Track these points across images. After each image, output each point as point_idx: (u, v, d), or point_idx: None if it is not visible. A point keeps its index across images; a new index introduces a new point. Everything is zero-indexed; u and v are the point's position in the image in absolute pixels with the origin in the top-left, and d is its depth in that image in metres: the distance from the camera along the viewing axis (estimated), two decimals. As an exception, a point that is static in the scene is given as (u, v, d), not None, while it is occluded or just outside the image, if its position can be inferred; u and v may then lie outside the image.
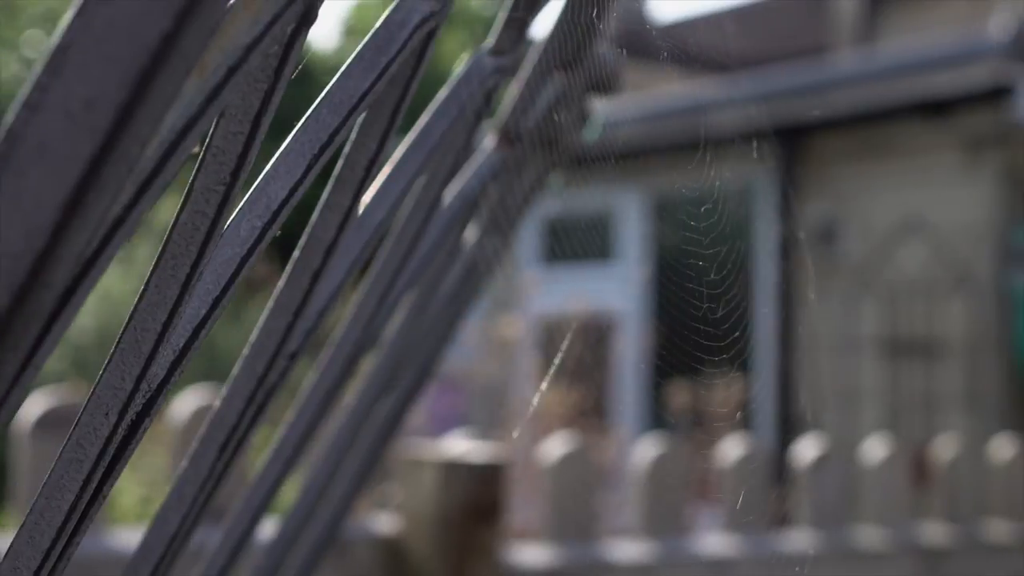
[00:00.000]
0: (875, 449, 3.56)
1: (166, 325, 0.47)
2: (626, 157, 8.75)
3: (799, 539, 3.27)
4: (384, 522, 2.65)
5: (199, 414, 2.43)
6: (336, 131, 0.53)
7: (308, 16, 0.45)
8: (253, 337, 0.64)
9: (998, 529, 3.72)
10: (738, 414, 6.20)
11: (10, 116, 0.37)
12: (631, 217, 8.63)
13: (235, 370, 0.65)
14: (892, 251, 7.35)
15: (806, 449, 3.40)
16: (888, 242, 7.36)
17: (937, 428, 6.84)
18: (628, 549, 2.89)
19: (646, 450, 3.02)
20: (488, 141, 0.92)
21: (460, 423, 6.19)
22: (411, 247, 0.75)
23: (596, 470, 2.97)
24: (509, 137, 0.89)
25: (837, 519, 3.36)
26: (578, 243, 9.11)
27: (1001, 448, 3.90)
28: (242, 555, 0.78)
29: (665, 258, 8.43)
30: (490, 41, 0.74)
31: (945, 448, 3.78)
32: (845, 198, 7.56)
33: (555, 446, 2.94)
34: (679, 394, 5.92)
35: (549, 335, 6.70)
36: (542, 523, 2.90)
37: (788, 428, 7.28)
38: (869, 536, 3.43)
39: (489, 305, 9.22)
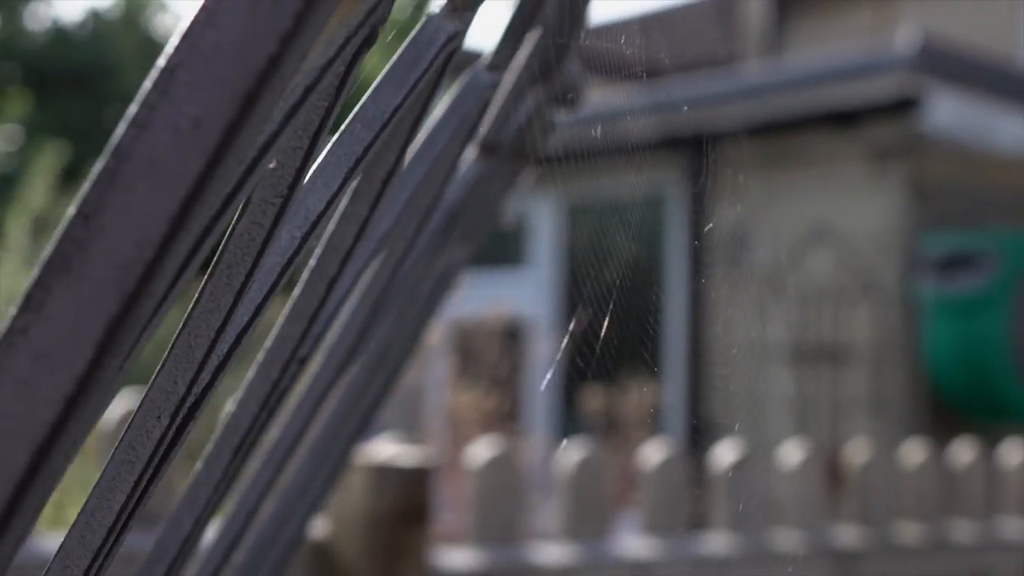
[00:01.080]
0: (791, 453, 3.63)
1: (219, 332, 0.49)
2: (540, 162, 8.80)
3: (718, 542, 3.32)
4: (313, 525, 2.65)
5: (127, 419, 2.42)
6: (369, 145, 0.56)
7: (370, 38, 0.47)
8: (268, 343, 0.67)
9: (908, 531, 3.80)
10: (651, 419, 6.27)
11: (117, 133, 0.39)
12: (544, 222, 8.68)
13: (249, 375, 0.67)
14: (801, 258, 7.47)
15: (724, 453, 3.45)
16: (797, 250, 7.49)
17: (843, 432, 6.97)
18: (552, 552, 2.93)
19: (570, 454, 3.06)
20: (469, 152, 0.95)
21: (376, 428, 6.19)
22: (404, 256, 0.78)
23: (520, 474, 3.00)
24: (489, 148, 0.91)
25: (755, 522, 3.43)
26: (491, 247, 9.15)
27: (911, 452, 3.99)
28: (234, 557, 0.80)
29: (578, 264, 8.49)
30: (486, 56, 0.76)
31: (857, 452, 3.86)
32: (755, 206, 7.68)
33: (481, 450, 2.97)
34: (594, 399, 5.98)
35: (464, 340, 6.73)
36: (467, 526, 2.92)
37: (698, 433, 7.36)
38: (785, 538, 3.49)
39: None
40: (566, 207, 8.61)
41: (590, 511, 3.05)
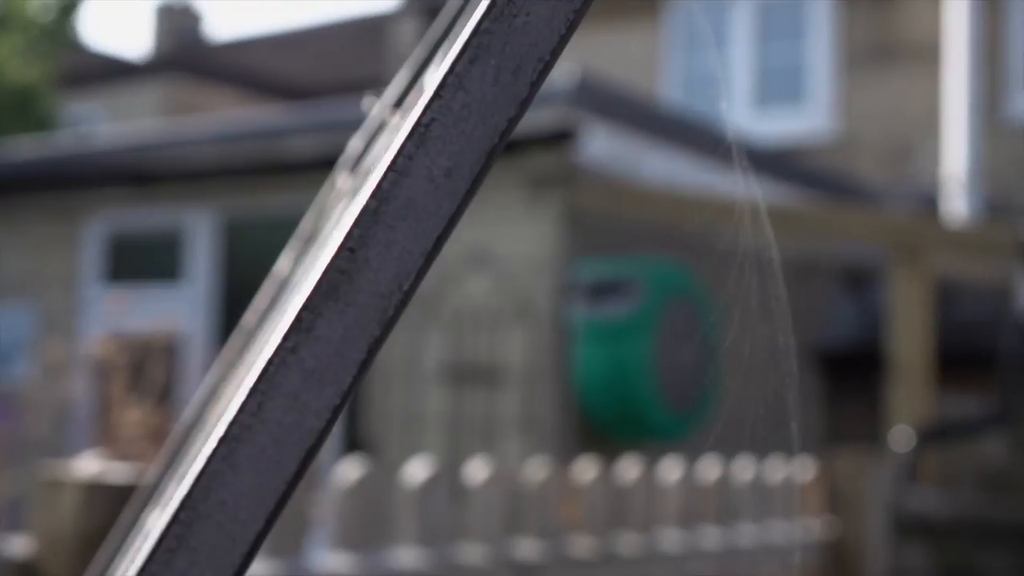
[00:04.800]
0: (475, 472, 3.76)
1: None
2: (197, 177, 8.71)
3: (408, 557, 3.41)
4: (17, 545, 2.59)
5: None
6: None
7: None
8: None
9: (581, 544, 4.00)
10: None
11: (376, 177, 0.44)
12: (201, 237, 8.57)
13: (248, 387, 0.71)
14: (460, 281, 7.68)
15: (416, 471, 3.55)
16: (456, 273, 7.69)
17: (496, 451, 7.20)
18: (252, 568, 2.94)
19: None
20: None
21: (25, 445, 5.98)
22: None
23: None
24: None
25: (444, 537, 3.53)
26: (144, 261, 8.95)
27: (582, 470, 4.19)
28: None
29: (236, 279, 8.43)
30: None
31: (536, 471, 4.03)
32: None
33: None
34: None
35: (129, 355, 6.58)
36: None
37: (355, 450, 7.44)
38: (471, 553, 3.61)
39: (46, 324, 8.90)
40: (224, 222, 8.54)
41: (288, 528, 3.08)
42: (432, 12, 13.69)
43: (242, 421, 0.42)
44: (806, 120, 11.94)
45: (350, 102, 8.68)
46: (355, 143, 1.20)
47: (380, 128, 1.10)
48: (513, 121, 0.44)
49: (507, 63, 0.44)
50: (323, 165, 8.52)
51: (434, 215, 0.44)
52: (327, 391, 0.43)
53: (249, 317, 1.26)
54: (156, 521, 0.95)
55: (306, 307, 0.43)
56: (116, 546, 1.24)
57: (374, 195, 0.44)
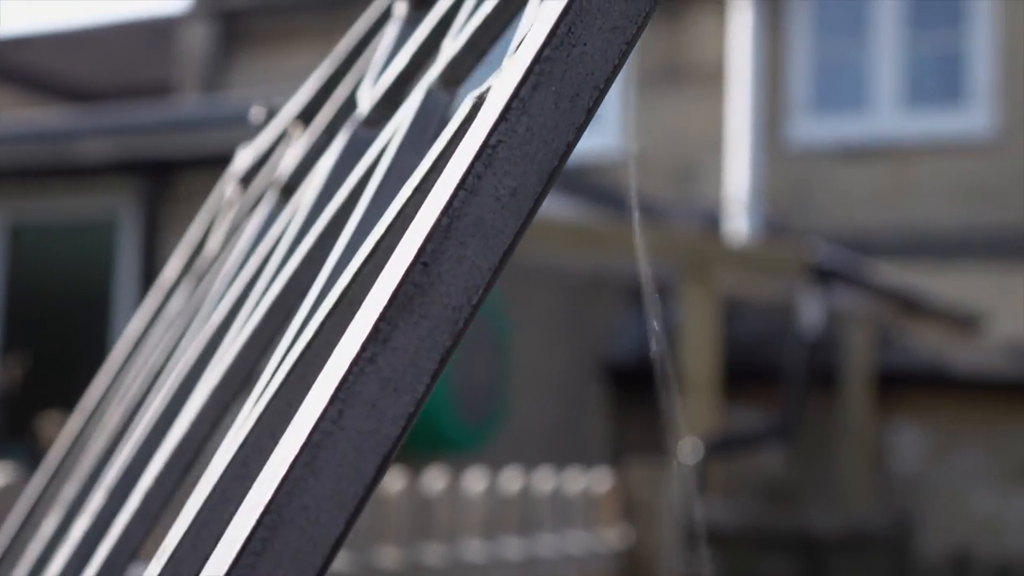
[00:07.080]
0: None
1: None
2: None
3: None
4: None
5: None
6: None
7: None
8: (223, 368, 0.71)
9: (387, 555, 4.01)
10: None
11: (445, 195, 0.46)
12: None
13: (201, 398, 0.71)
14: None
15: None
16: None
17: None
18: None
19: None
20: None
21: None
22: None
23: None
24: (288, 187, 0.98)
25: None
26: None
27: (390, 480, 4.20)
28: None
29: (20, 285, 8.17)
30: (436, 71, 0.79)
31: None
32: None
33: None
34: (50, 426, 5.79)
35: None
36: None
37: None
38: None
39: None
40: (8, 226, 8.27)
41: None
42: (222, 16, 13.48)
43: (323, 428, 0.44)
44: (596, 138, 12.17)
45: (139, 105, 8.50)
46: (244, 154, 1.20)
47: (280, 139, 1.10)
48: (571, 145, 0.47)
49: (566, 90, 0.47)
50: (113, 169, 8.29)
51: (501, 232, 0.46)
52: (403, 399, 0.45)
53: (135, 324, 1.25)
54: (79, 527, 0.94)
55: (382, 318, 0.45)
56: (3, 551, 1.21)
57: (445, 212, 0.45)
